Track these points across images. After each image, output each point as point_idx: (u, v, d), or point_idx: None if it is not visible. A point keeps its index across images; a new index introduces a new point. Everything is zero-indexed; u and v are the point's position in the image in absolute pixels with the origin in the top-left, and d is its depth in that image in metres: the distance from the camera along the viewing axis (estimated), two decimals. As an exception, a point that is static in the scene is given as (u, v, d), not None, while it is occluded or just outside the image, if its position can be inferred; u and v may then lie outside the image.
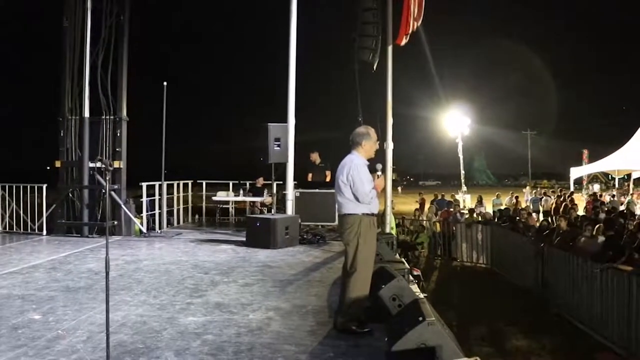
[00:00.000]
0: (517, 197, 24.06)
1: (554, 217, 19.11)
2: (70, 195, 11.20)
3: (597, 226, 11.55)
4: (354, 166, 4.91)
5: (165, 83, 11.59)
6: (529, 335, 9.87)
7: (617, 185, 31.51)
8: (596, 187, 33.26)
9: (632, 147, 24.34)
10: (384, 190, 10.86)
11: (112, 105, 11.24)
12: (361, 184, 4.83)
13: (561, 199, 22.76)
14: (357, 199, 4.87)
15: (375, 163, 5.25)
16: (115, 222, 11.04)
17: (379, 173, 5.11)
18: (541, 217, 19.84)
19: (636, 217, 14.08)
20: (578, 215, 15.65)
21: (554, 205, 21.95)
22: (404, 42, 10.92)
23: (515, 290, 13.21)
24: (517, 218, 16.01)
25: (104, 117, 11.21)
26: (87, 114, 11.02)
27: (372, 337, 4.86)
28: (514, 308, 11.54)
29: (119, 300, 5.96)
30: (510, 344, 9.55)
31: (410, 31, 10.73)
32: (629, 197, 23.07)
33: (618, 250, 9.83)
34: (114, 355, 4.19)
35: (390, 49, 11.13)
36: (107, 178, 5.71)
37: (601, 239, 10.84)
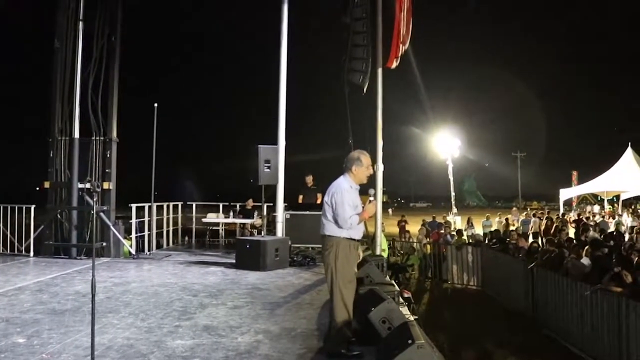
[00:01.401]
0: (507, 219, 24.15)
1: (543, 239, 19.16)
2: (59, 216, 11.11)
3: (585, 247, 11.59)
4: (339, 190, 4.95)
5: (155, 104, 11.61)
6: (519, 357, 9.81)
7: (606, 207, 31.70)
8: (596, 208, 33.00)
9: (620, 169, 24.57)
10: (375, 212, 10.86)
11: (102, 126, 11.22)
12: (342, 209, 4.86)
13: (551, 221, 22.85)
14: (337, 222, 4.90)
15: (368, 187, 5.26)
16: (104, 244, 10.96)
17: (371, 198, 5.12)
18: (530, 239, 19.86)
19: (625, 237, 14.16)
20: (569, 237, 15.70)
21: (543, 227, 22.03)
22: (394, 65, 11.00)
23: (506, 312, 13.17)
24: (508, 240, 16.03)
25: (94, 137, 11.19)
26: (77, 134, 11.00)
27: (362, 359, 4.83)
28: (505, 329, 11.48)
29: (106, 323, 5.89)
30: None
31: (400, 54, 10.84)
32: (617, 218, 23.20)
33: (605, 270, 9.85)
34: (100, 379, 4.12)
35: (380, 71, 11.21)
36: (95, 199, 5.67)
37: (587, 260, 10.87)
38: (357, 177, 5.08)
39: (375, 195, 5.25)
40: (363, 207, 5.09)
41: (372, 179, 10.95)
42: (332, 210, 4.93)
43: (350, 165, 5.07)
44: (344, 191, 4.92)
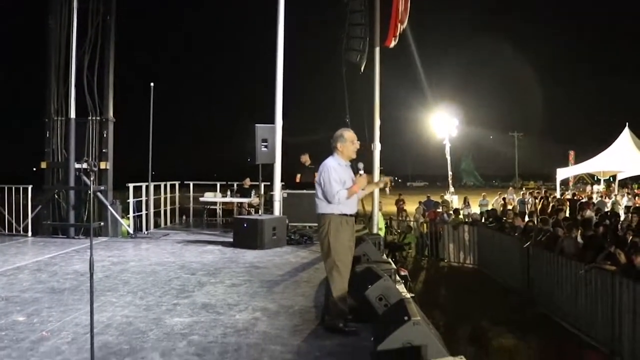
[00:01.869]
0: (504, 199, 24.22)
1: (539, 218, 19.24)
2: (56, 196, 11.12)
3: (577, 226, 11.68)
4: (326, 168, 5.08)
5: (152, 84, 11.56)
6: (515, 334, 9.93)
7: (601, 187, 31.74)
8: (595, 188, 32.76)
9: (617, 149, 24.56)
10: (371, 190, 10.90)
11: (98, 106, 11.17)
12: (329, 185, 4.97)
13: (547, 200, 22.93)
14: (327, 199, 5.01)
15: (360, 162, 5.32)
16: (102, 223, 10.99)
17: (361, 172, 5.19)
18: (526, 218, 19.94)
19: (620, 217, 14.24)
20: (565, 217, 15.77)
21: (539, 206, 22.11)
22: (392, 44, 10.95)
23: (502, 290, 13.30)
24: (504, 219, 16.11)
25: (90, 117, 11.14)
26: (73, 114, 10.95)
27: (358, 336, 4.89)
28: (501, 308, 11.61)
29: (105, 302, 5.93)
30: (496, 343, 9.60)
31: (398, 33, 10.78)
32: (613, 198, 23.27)
33: (599, 249, 9.94)
34: (99, 356, 4.17)
35: (378, 50, 11.16)
36: (92, 179, 5.68)
37: (579, 239, 10.97)
38: (344, 153, 5.18)
39: (368, 170, 5.33)
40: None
41: (368, 157, 11.03)
42: (321, 188, 5.06)
43: (335, 143, 5.19)
44: (330, 168, 5.04)
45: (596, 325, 9.33)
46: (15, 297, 6.15)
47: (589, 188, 33.51)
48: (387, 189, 55.35)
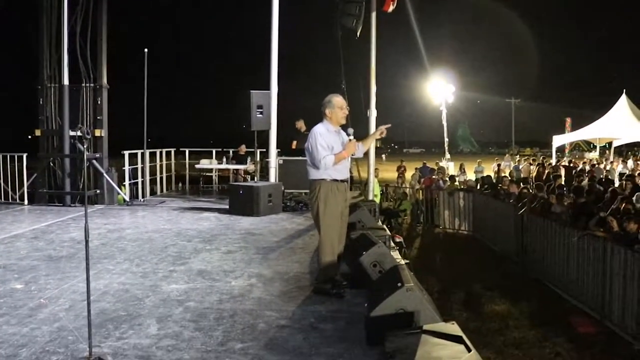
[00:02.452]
0: (498, 165, 24.27)
1: (534, 185, 19.31)
2: (52, 164, 11.10)
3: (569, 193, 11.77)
4: (313, 134, 5.10)
5: (146, 50, 11.43)
6: (507, 300, 10.07)
7: (597, 154, 31.86)
8: (591, 155, 32.86)
9: (613, 116, 24.52)
10: (370, 143, 10.91)
11: (92, 73, 11.07)
12: (316, 151, 5.00)
13: (542, 166, 22.98)
14: (314, 165, 5.04)
15: (349, 127, 5.31)
16: (98, 191, 11.01)
17: (351, 137, 5.19)
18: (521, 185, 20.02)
19: (614, 184, 14.31)
20: (560, 184, 15.83)
21: (535, 174, 22.17)
22: (391, 8, 10.81)
23: (496, 257, 13.43)
24: (500, 186, 16.17)
25: (84, 84, 11.05)
26: (66, 81, 10.84)
27: (352, 302, 4.96)
28: (494, 274, 11.73)
29: (102, 269, 5.99)
30: (489, 308, 9.74)
31: None
32: (608, 165, 23.35)
33: (591, 216, 10.02)
34: (96, 322, 4.22)
35: (374, 15, 11.03)
36: (87, 146, 5.67)
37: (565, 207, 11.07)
38: (333, 119, 5.19)
39: (357, 135, 5.32)
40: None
41: (364, 122, 11.00)
42: (309, 154, 5.08)
43: (324, 109, 5.19)
44: (317, 134, 5.06)
45: (587, 290, 9.46)
46: (12, 265, 6.20)
47: (586, 155, 33.63)
48: (384, 156, 55.12)
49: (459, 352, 3.15)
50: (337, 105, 5.18)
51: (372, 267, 5.21)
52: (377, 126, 10.91)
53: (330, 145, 5.05)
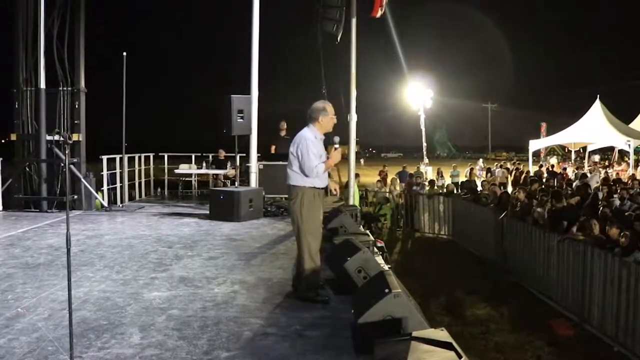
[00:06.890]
0: (471, 169, 24.46)
1: (516, 189, 19.50)
2: (28, 169, 10.87)
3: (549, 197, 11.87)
4: (304, 140, 5.03)
5: (124, 53, 11.29)
6: (488, 304, 10.13)
7: (573, 158, 32.33)
8: (553, 160, 34.19)
9: (588, 121, 24.91)
10: (347, 162, 10.91)
11: (69, 76, 10.88)
12: (308, 159, 4.95)
13: (519, 171, 23.24)
14: (303, 172, 4.99)
15: (336, 136, 5.32)
16: (75, 197, 10.81)
17: (336, 145, 5.19)
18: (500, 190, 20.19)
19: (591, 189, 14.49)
20: (538, 188, 15.98)
21: (512, 179, 22.40)
22: (379, 14, 10.83)
23: (476, 260, 13.52)
24: (480, 191, 16.28)
25: (61, 88, 10.85)
26: (43, 85, 10.64)
27: (338, 309, 4.92)
28: (475, 278, 11.81)
29: (81, 276, 5.86)
30: (470, 313, 9.79)
31: (385, 2, 10.64)
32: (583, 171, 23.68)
33: (572, 220, 10.12)
34: (77, 332, 4.12)
35: (354, 21, 11.02)
36: (67, 151, 5.55)
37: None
38: (324, 126, 5.17)
39: (344, 142, 5.34)
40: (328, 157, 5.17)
41: (344, 127, 10.98)
42: (297, 160, 5.02)
43: (317, 115, 5.14)
44: (308, 141, 5.01)
45: (567, 293, 9.56)
46: (-12, 272, 6.04)
47: (552, 160, 34.46)
48: (362, 160, 55.25)
49: (449, 358, 3.13)
50: (331, 113, 5.17)
51: (357, 273, 5.18)
52: (357, 131, 11.05)
53: (319, 153, 5.03)
